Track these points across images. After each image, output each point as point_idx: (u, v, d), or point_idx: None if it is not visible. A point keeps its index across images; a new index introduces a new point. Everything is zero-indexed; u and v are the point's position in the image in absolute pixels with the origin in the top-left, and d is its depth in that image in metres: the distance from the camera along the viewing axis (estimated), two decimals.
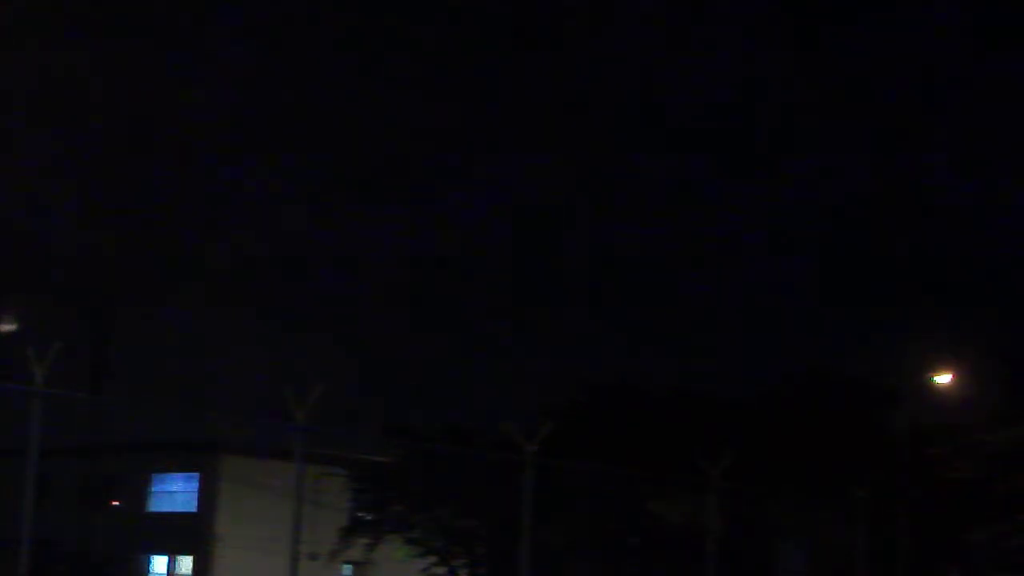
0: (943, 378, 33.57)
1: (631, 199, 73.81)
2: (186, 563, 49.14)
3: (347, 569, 45.91)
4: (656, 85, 70.85)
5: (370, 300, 71.69)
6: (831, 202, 69.78)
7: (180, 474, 49.60)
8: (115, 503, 49.93)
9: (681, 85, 71.63)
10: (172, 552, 49.64)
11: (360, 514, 36.66)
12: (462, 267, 72.28)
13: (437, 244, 74.29)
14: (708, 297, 72.22)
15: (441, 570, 34.75)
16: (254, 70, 69.25)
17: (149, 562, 50.45)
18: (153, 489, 50.55)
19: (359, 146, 71.32)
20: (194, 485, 48.93)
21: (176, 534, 48.68)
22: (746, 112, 72.75)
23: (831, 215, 69.64)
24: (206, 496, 48.21)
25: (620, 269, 71.79)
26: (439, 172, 73.18)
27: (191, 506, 48.90)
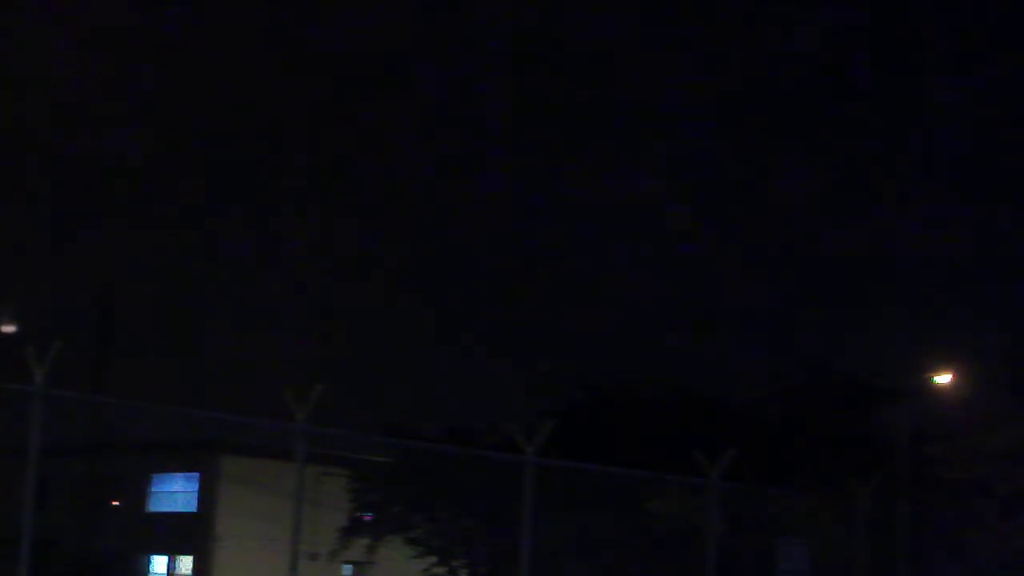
0: (943, 378, 33.53)
1: (628, 200, 73.76)
2: (186, 563, 49.16)
3: (347, 569, 45.89)
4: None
5: (371, 299, 71.64)
6: (831, 200, 69.75)
7: (180, 474, 49.61)
8: (115, 503, 49.90)
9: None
10: (172, 552, 49.64)
11: (360, 514, 36.62)
12: (461, 267, 72.22)
13: (439, 244, 74.27)
14: (708, 296, 72.18)
15: (441, 570, 34.72)
16: None
17: (149, 562, 50.44)
18: (153, 489, 50.54)
19: None
20: (194, 485, 48.93)
21: (176, 534, 48.67)
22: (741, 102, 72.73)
23: (831, 213, 69.61)
24: (206, 496, 48.22)
25: (620, 269, 71.72)
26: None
27: (191, 506, 48.91)
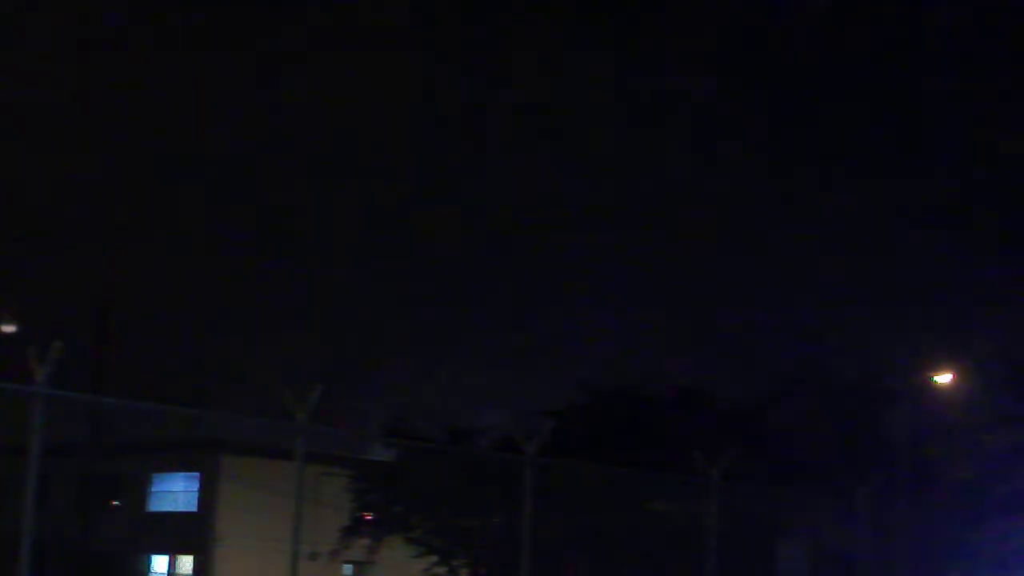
0: (943, 378, 33.58)
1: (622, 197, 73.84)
2: (186, 563, 49.17)
3: (347, 569, 45.92)
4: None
5: (371, 299, 71.69)
6: (833, 201, 69.81)
7: (180, 474, 49.63)
8: (115, 503, 49.95)
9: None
10: (172, 552, 49.66)
11: (361, 514, 36.67)
12: (461, 266, 72.28)
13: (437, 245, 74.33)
14: (708, 296, 72.22)
15: (441, 570, 34.74)
16: None
17: (149, 562, 50.46)
18: (153, 489, 50.57)
19: None
20: (194, 485, 48.95)
21: (176, 534, 48.71)
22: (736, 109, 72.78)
23: (832, 214, 69.66)
24: (206, 496, 48.24)
25: (619, 269, 71.78)
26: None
27: (191, 506, 48.93)
